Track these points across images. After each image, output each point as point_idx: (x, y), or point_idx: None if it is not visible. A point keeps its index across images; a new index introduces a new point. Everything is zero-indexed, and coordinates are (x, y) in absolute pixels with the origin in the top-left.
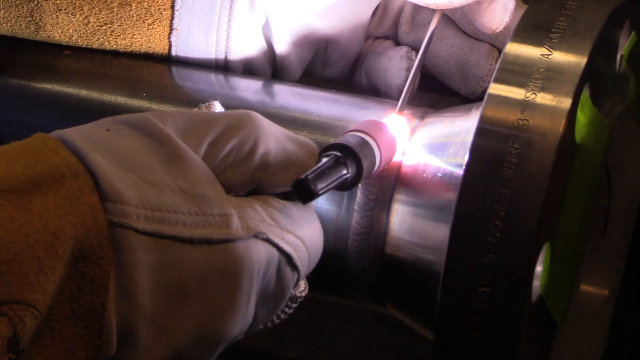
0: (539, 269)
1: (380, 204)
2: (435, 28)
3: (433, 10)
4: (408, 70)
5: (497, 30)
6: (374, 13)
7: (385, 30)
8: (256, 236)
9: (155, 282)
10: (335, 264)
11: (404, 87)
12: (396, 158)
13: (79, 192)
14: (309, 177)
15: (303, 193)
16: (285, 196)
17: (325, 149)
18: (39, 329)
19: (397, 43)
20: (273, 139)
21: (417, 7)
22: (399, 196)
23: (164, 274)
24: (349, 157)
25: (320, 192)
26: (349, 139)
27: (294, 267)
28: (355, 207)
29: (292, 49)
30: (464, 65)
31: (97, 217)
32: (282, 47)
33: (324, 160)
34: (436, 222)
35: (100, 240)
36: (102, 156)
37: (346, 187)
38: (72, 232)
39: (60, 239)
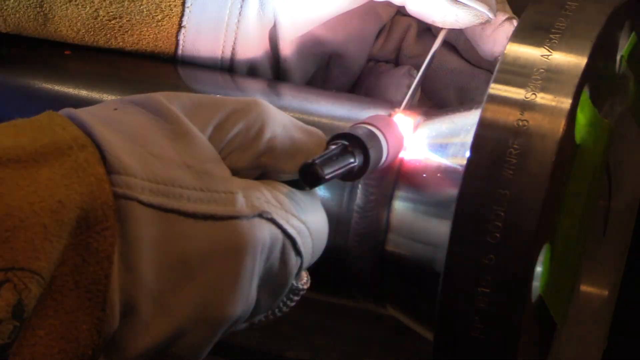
0: (539, 269)
1: (381, 203)
2: (439, 47)
3: (436, 36)
4: (409, 87)
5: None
6: (377, 35)
7: (387, 54)
8: (261, 215)
9: (158, 256)
10: (335, 264)
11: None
12: (396, 160)
13: (85, 163)
14: (316, 161)
15: (309, 177)
16: (292, 185)
17: (333, 138)
18: (42, 300)
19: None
20: (280, 125)
21: (420, 33)
22: (399, 194)
23: (167, 248)
24: (356, 146)
25: (326, 177)
26: (358, 129)
27: (298, 252)
28: (355, 207)
29: (296, 59)
30: (463, 91)
31: (103, 187)
32: (287, 54)
33: (332, 147)
34: (437, 219)
35: (105, 210)
36: (109, 131)
37: (352, 176)
38: (78, 201)
39: (66, 207)
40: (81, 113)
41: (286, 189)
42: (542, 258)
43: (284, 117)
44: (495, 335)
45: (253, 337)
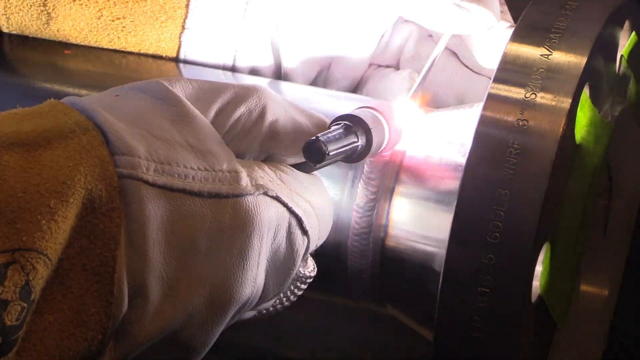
0: (539, 269)
1: (381, 203)
2: (441, 51)
3: (436, 43)
4: (410, 90)
5: None
6: (379, 40)
7: (388, 59)
8: (266, 193)
9: (165, 236)
10: (335, 264)
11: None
12: (396, 158)
13: (88, 146)
14: (320, 138)
15: (314, 154)
16: (296, 168)
17: (335, 120)
18: (50, 284)
19: None
20: (281, 109)
21: (421, 39)
22: (399, 192)
23: (173, 228)
24: (359, 127)
25: (330, 154)
26: (360, 112)
27: (304, 231)
28: (355, 206)
29: (298, 63)
30: (463, 97)
31: (107, 169)
32: (288, 58)
33: (335, 127)
34: (437, 216)
35: (110, 191)
36: (112, 115)
37: (355, 157)
38: (83, 182)
39: (70, 189)
40: (83, 99)
41: (290, 169)
42: (542, 258)
43: (285, 101)
44: (495, 335)
45: (253, 337)
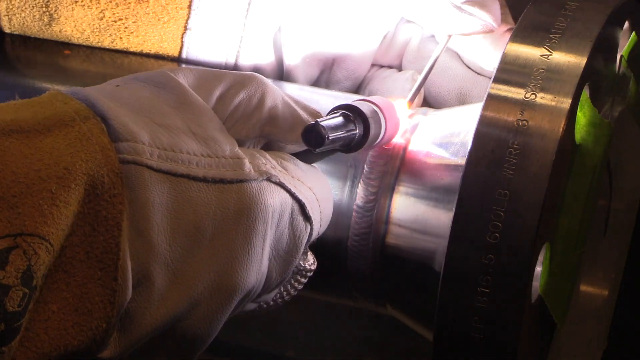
0: (539, 269)
1: (380, 203)
2: (442, 51)
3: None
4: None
5: None
6: (381, 41)
7: (390, 59)
8: (269, 179)
9: (169, 222)
10: (334, 264)
11: None
12: (396, 158)
13: (89, 133)
14: (320, 123)
15: (313, 138)
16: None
17: (333, 109)
18: (53, 273)
19: None
20: (279, 96)
21: (423, 40)
22: (400, 191)
23: (178, 214)
24: (357, 116)
25: (329, 138)
26: (358, 104)
27: (307, 217)
28: (355, 206)
29: (300, 63)
30: (465, 97)
31: (108, 155)
32: (290, 58)
33: (333, 115)
34: (437, 215)
35: (112, 177)
36: (113, 103)
37: (352, 146)
38: (84, 168)
39: (72, 174)
40: (85, 89)
41: (290, 157)
42: (542, 258)
43: (282, 91)
44: (495, 335)
45: (253, 337)
